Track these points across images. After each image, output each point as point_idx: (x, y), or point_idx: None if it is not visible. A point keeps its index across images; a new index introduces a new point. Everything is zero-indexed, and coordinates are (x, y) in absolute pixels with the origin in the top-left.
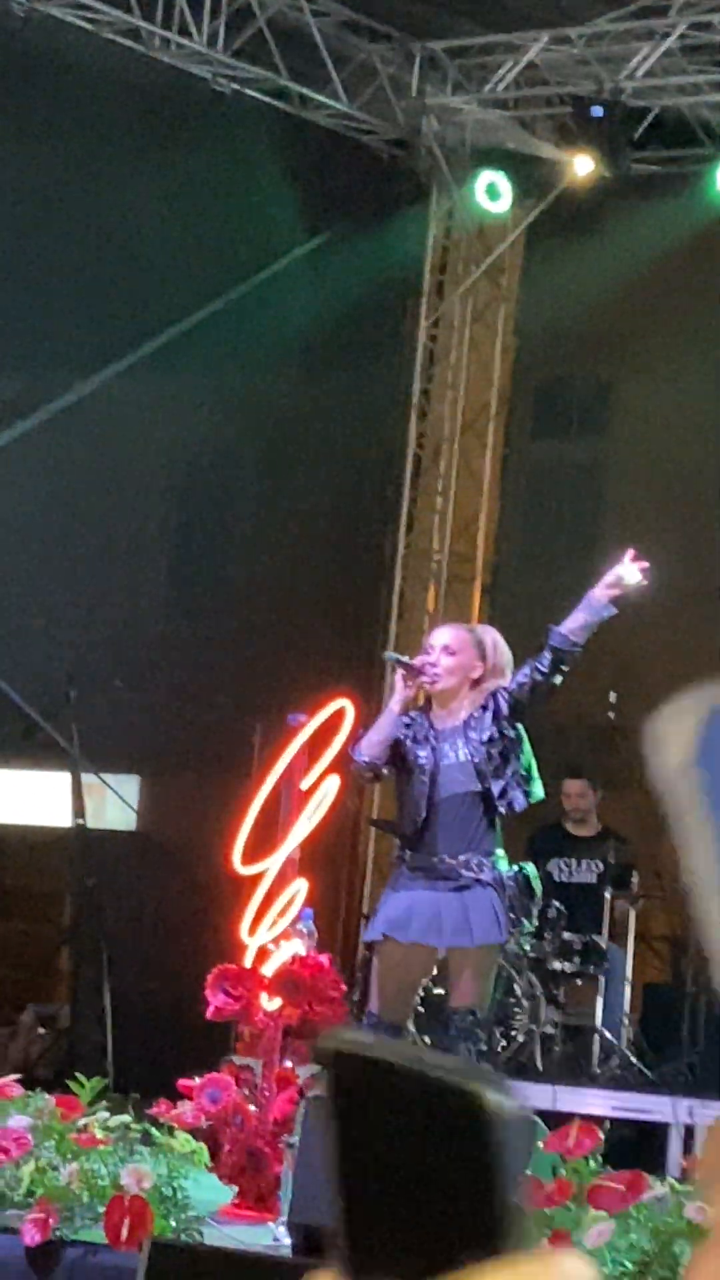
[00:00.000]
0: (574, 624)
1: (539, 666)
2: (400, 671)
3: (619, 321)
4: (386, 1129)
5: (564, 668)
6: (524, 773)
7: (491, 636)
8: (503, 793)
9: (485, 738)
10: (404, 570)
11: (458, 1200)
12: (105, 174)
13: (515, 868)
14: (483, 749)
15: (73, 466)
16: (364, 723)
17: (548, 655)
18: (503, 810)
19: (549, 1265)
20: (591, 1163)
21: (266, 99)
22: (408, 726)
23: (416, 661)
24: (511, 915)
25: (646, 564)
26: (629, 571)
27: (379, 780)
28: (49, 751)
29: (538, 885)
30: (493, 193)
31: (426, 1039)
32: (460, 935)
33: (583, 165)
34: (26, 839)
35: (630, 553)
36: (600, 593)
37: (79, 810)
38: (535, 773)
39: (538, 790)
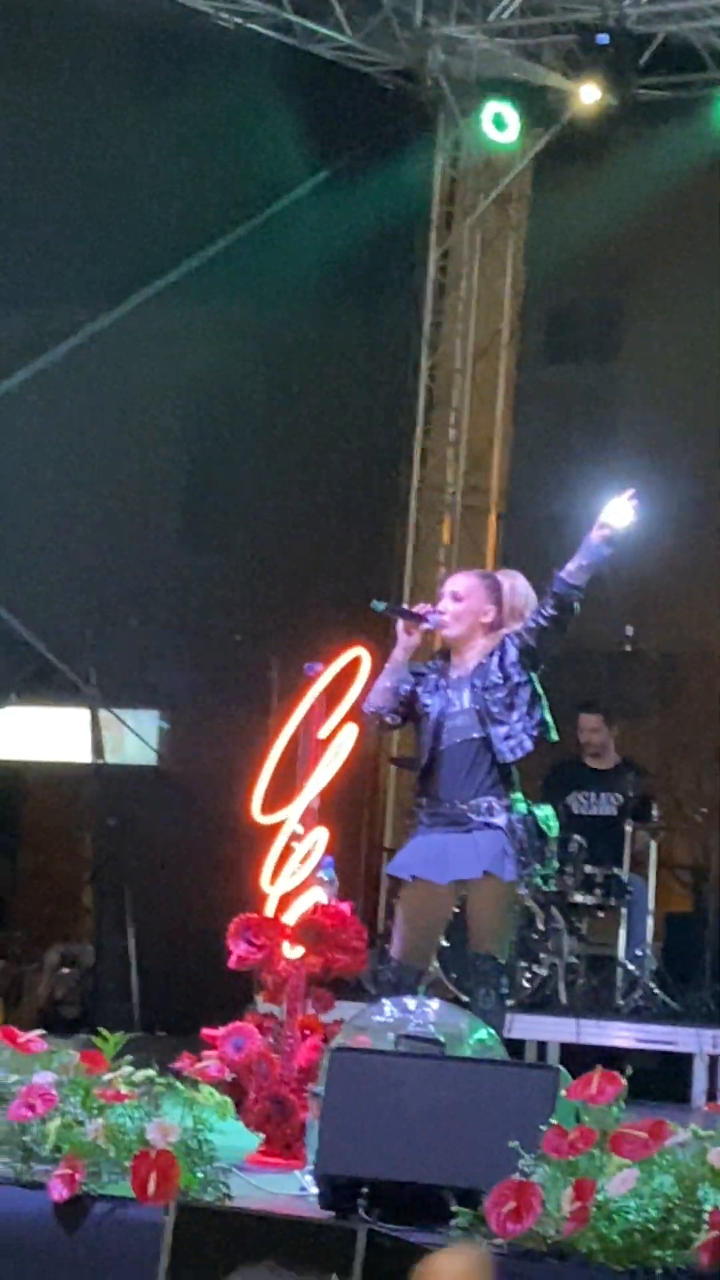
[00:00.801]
0: (572, 567)
1: (542, 612)
2: (400, 619)
3: (629, 246)
4: None
5: (568, 611)
6: (532, 717)
7: (511, 581)
8: (506, 738)
9: (490, 683)
10: (418, 503)
11: None
12: (109, 112)
13: (526, 810)
14: (485, 695)
15: (84, 405)
16: (379, 661)
17: (550, 601)
18: (507, 757)
19: None
20: (614, 1110)
21: (270, 33)
22: (420, 676)
23: (419, 608)
24: (523, 859)
25: (636, 501)
26: (617, 513)
27: (387, 729)
28: (68, 689)
29: (551, 827)
30: (499, 123)
31: (453, 975)
32: (468, 868)
33: (589, 93)
34: (48, 775)
35: (628, 492)
36: (594, 535)
37: (98, 748)
38: (548, 716)
39: (551, 734)
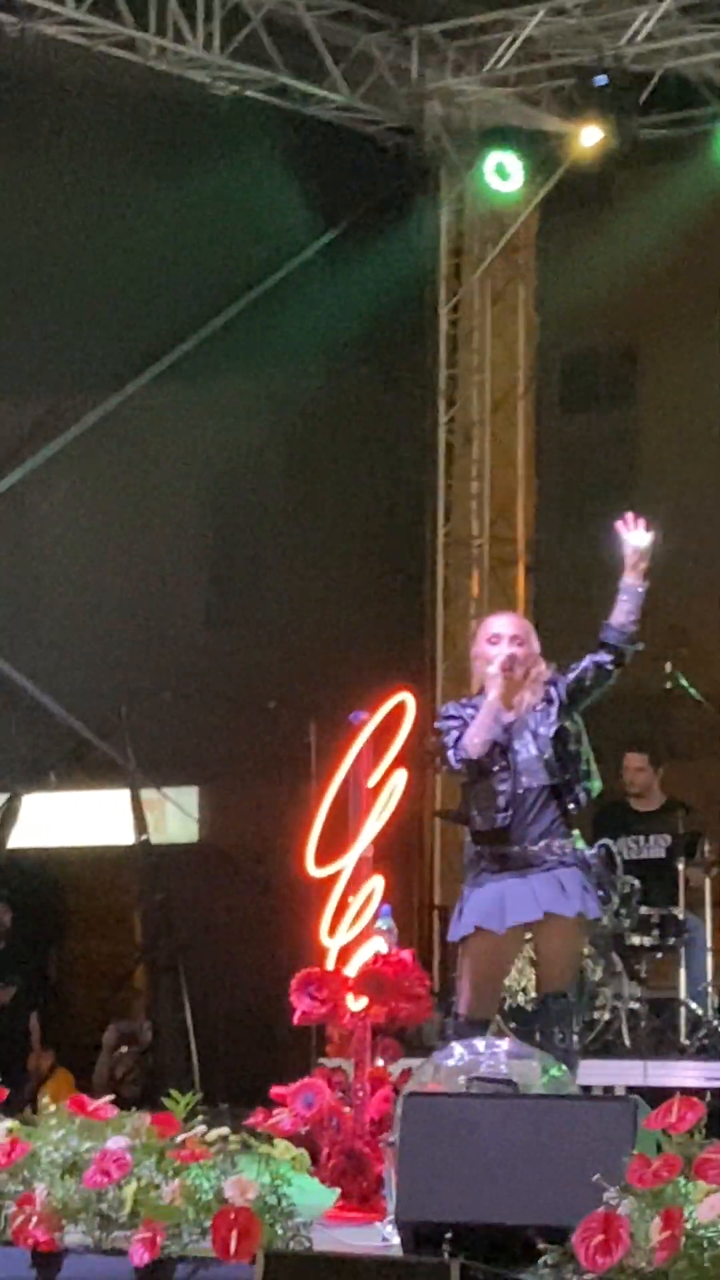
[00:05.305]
0: (620, 615)
1: (600, 662)
2: (502, 664)
3: (640, 289)
4: None
5: (623, 659)
6: (584, 767)
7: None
8: (568, 786)
9: (553, 731)
10: (445, 558)
11: None
12: (111, 187)
13: (598, 845)
14: (550, 743)
15: (105, 484)
16: (423, 715)
17: (606, 653)
18: (570, 806)
19: None
20: (696, 1136)
21: (267, 98)
22: (458, 719)
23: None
24: (601, 893)
25: (643, 519)
26: (637, 538)
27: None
28: (106, 769)
29: (619, 859)
30: (502, 173)
31: (512, 1026)
32: (557, 904)
33: (590, 136)
34: (92, 859)
35: (620, 523)
36: (629, 576)
37: (141, 826)
38: (594, 767)
39: (596, 784)
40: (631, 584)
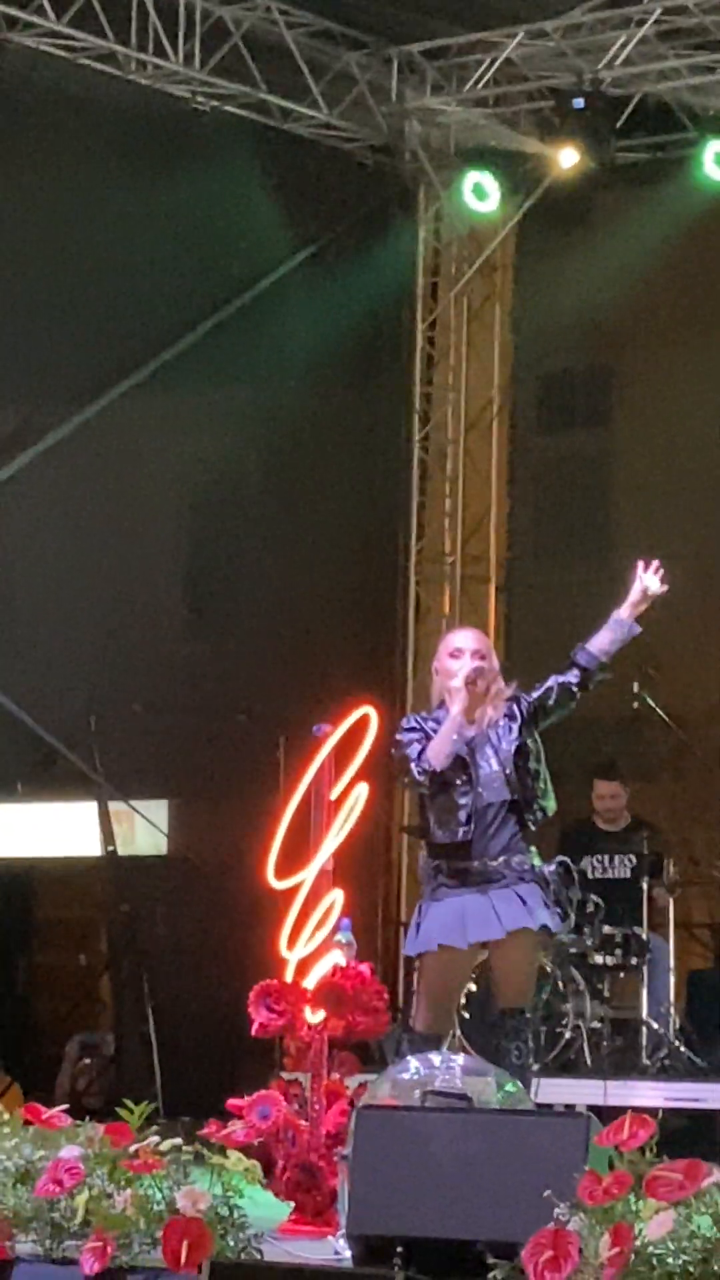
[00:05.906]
0: (602, 644)
1: (566, 682)
2: (468, 677)
3: (616, 310)
4: None
5: (589, 686)
6: (541, 785)
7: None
8: (529, 803)
9: (514, 748)
10: (417, 574)
11: None
12: (91, 199)
13: (556, 861)
14: (512, 759)
15: (80, 493)
16: (387, 729)
17: (576, 674)
18: (530, 823)
19: None
20: (647, 1153)
21: (247, 114)
22: (419, 731)
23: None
24: (559, 909)
25: (659, 566)
26: (651, 581)
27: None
28: (74, 781)
29: (576, 878)
30: (479, 192)
31: (470, 1041)
32: (521, 919)
33: (568, 157)
34: (59, 871)
35: (641, 563)
36: (627, 613)
37: (109, 838)
38: (550, 786)
39: (551, 804)
40: (625, 620)
